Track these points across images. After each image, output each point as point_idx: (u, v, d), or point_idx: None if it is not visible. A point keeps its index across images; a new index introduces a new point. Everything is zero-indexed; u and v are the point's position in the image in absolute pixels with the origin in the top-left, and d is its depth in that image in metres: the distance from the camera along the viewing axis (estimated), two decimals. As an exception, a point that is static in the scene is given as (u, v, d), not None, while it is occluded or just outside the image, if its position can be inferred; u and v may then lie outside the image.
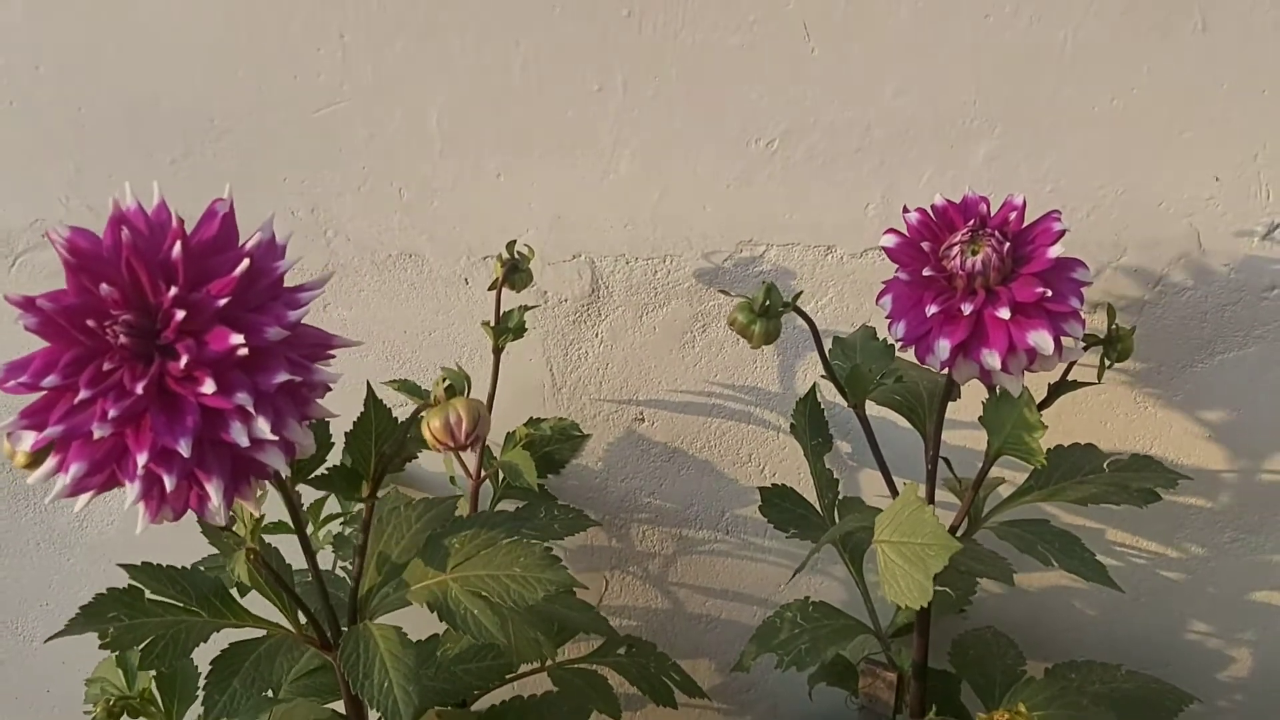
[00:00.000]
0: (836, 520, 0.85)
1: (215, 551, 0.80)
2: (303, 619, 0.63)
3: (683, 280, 0.84)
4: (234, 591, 0.62)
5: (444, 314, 0.86)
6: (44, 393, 0.48)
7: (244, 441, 0.47)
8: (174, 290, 0.47)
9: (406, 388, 0.78)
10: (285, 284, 0.51)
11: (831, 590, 0.98)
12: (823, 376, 0.75)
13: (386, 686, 0.58)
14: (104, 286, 0.46)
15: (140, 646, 0.56)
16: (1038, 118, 0.77)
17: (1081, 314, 0.63)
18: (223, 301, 0.47)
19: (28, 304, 0.47)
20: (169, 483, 0.47)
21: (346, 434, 0.60)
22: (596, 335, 0.87)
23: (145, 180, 0.82)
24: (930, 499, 0.74)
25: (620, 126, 0.79)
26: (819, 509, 0.85)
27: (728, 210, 0.82)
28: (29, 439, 0.49)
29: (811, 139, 0.79)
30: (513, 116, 0.79)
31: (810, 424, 0.86)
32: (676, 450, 0.92)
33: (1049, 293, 0.61)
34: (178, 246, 0.47)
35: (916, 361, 0.66)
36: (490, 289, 0.77)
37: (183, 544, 0.95)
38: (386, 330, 0.87)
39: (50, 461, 0.50)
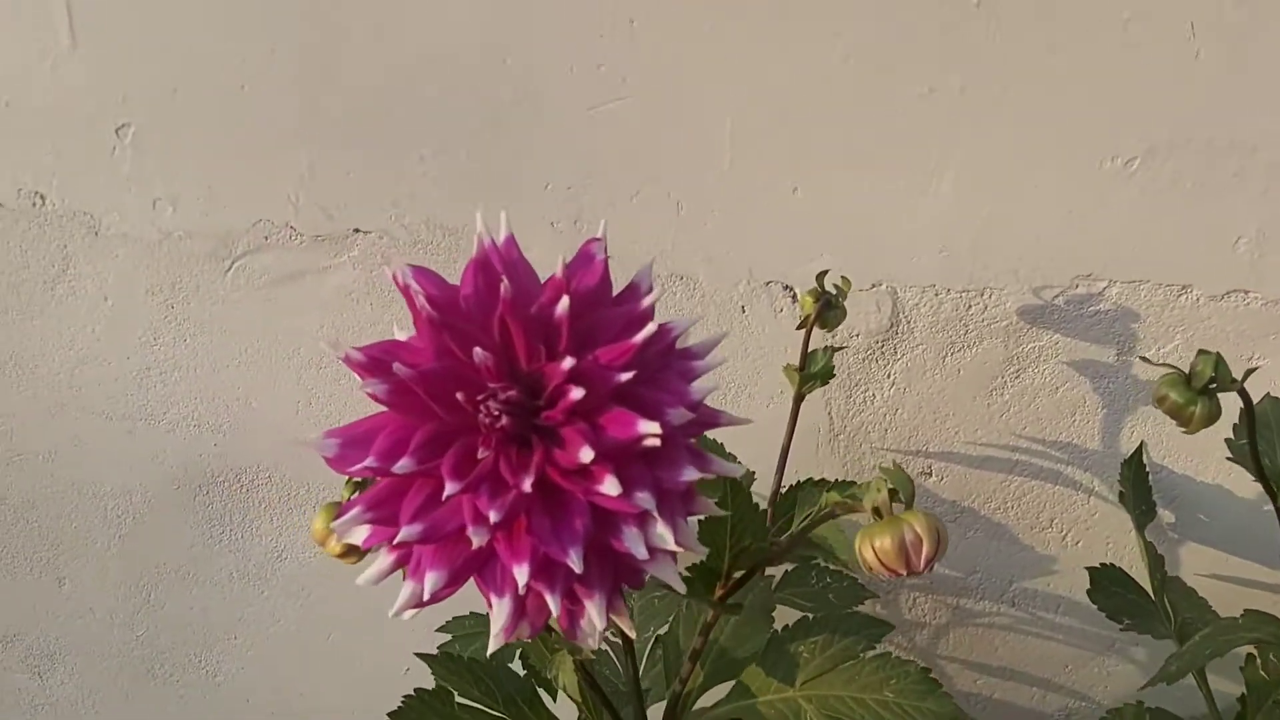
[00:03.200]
0: (1169, 608, 0.74)
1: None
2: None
3: (1001, 318, 0.74)
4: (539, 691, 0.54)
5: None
6: (388, 478, 0.40)
7: (641, 552, 0.38)
8: (569, 361, 0.38)
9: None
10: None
11: (1133, 677, 0.87)
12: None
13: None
14: (479, 352, 0.38)
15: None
16: None
17: None
18: (624, 377, 0.38)
19: (379, 369, 0.39)
20: (552, 603, 0.38)
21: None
22: (889, 376, 0.77)
23: (390, 182, 0.74)
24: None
25: (950, 137, 0.69)
26: (1151, 594, 0.74)
27: (1066, 240, 0.71)
28: (363, 532, 0.42)
29: (1181, 159, 0.68)
30: (822, 123, 0.69)
31: (1135, 489, 0.76)
32: (965, 510, 0.81)
33: None
34: (564, 303, 0.39)
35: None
36: (799, 327, 0.67)
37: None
38: (644, 360, 0.78)
39: (384, 560, 0.41)
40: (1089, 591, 0.73)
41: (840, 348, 0.72)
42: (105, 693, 0.98)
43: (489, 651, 0.41)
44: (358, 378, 0.42)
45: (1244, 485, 0.78)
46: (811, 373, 0.68)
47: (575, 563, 0.37)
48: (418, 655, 0.55)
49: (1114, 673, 0.88)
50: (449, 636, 0.87)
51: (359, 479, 0.48)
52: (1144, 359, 0.67)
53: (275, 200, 0.74)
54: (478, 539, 0.37)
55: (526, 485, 0.37)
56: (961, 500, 0.81)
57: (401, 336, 0.45)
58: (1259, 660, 0.75)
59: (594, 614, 0.39)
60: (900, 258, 0.73)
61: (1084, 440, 0.78)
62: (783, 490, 0.75)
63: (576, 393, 0.38)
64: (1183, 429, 0.53)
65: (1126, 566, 0.77)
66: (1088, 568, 0.74)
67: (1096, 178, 0.69)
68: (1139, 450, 0.76)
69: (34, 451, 0.85)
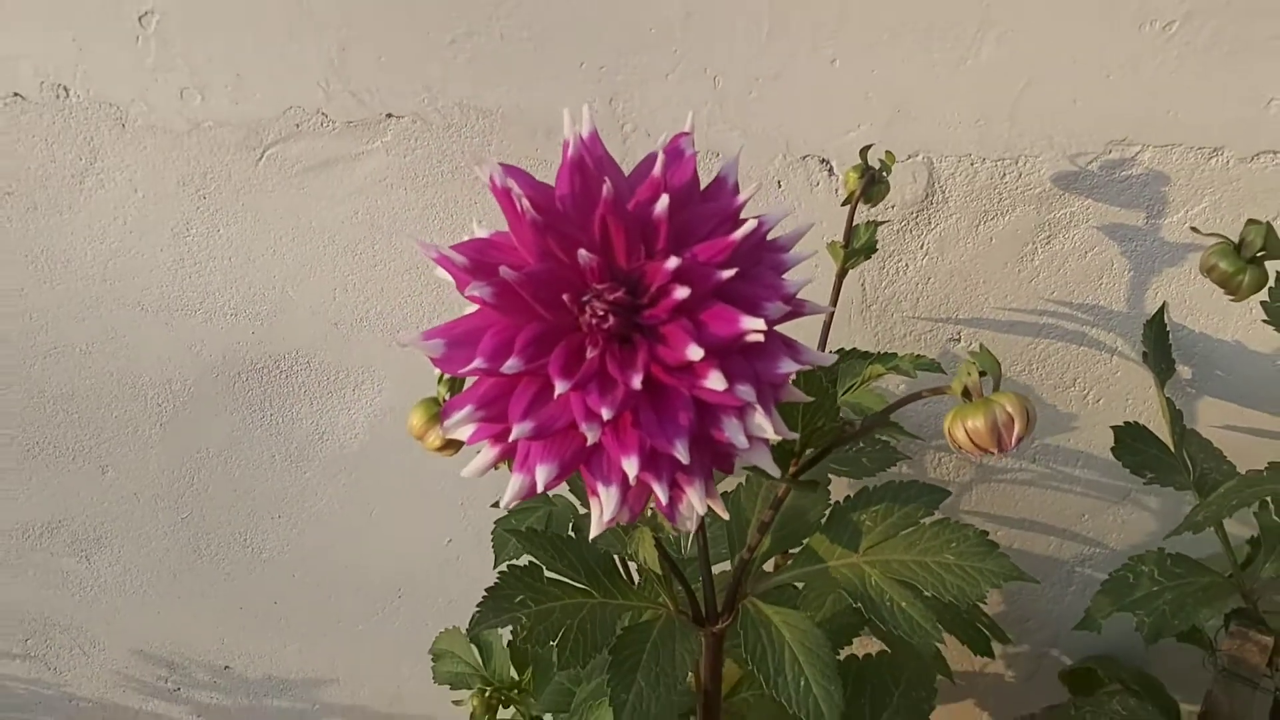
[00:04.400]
0: (1188, 461, 0.78)
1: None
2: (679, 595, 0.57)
3: (1035, 185, 0.74)
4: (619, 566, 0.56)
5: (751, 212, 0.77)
6: (497, 378, 0.41)
7: (742, 442, 0.40)
8: (674, 261, 0.39)
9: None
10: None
11: (1146, 523, 0.91)
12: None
13: (804, 685, 0.53)
14: (583, 254, 0.39)
15: (556, 641, 0.50)
16: None
17: None
18: (726, 274, 0.39)
19: (484, 270, 0.40)
20: (660, 491, 0.40)
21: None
22: (922, 246, 0.78)
23: (422, 66, 0.73)
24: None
25: (989, 5, 0.68)
26: (1172, 448, 0.77)
27: (1102, 105, 0.71)
28: (469, 429, 0.43)
29: (1219, 21, 0.68)
30: (861, -9, 0.68)
31: (1157, 348, 0.78)
32: (991, 373, 0.84)
33: None
34: (663, 201, 0.39)
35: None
36: (844, 203, 0.68)
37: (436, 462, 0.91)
38: (680, 237, 0.78)
39: (489, 453, 0.43)
40: (1114, 448, 0.77)
41: (883, 222, 0.73)
42: (153, 573, 1.00)
43: (591, 537, 0.44)
44: (449, 277, 0.43)
45: (1261, 341, 0.80)
46: (855, 249, 0.69)
47: (682, 454, 0.39)
48: (507, 531, 0.57)
49: (1128, 521, 0.92)
50: (495, 513, 0.90)
51: (453, 377, 0.50)
52: (1194, 229, 0.69)
53: (306, 87, 0.73)
54: (591, 435, 0.39)
55: (636, 383, 0.39)
56: (989, 364, 0.83)
57: (482, 233, 0.45)
58: (1272, 506, 0.79)
59: (695, 500, 0.41)
60: (937, 128, 0.73)
61: (1110, 302, 0.80)
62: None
63: (681, 292, 0.39)
64: (1230, 297, 0.55)
65: (1145, 422, 0.80)
66: (1113, 426, 0.77)
67: (1135, 41, 0.69)
68: (1161, 310, 0.78)
69: (71, 344, 0.86)
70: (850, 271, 0.78)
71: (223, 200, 0.78)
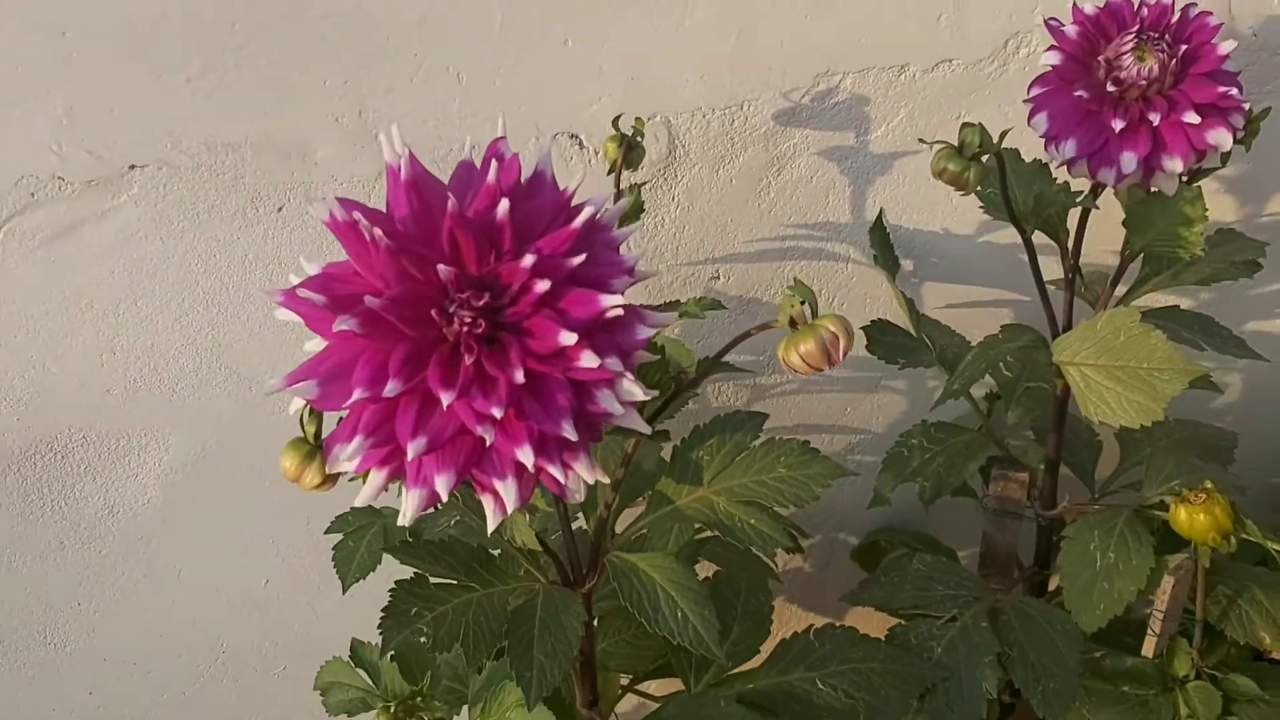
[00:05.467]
0: (929, 342, 0.88)
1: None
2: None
3: (760, 125, 0.81)
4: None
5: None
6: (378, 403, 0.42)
7: (616, 409, 0.44)
8: (530, 258, 0.41)
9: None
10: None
11: (899, 403, 1.02)
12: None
13: (682, 616, 0.57)
14: (443, 269, 0.41)
15: (460, 641, 0.52)
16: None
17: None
18: (575, 261, 0.42)
19: (344, 303, 0.41)
20: (556, 473, 0.43)
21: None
22: (673, 199, 0.83)
23: (160, 110, 0.70)
24: (1069, 310, 0.77)
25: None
26: (914, 333, 0.87)
27: (806, 42, 0.79)
28: (356, 460, 0.44)
29: (887, -46, 0.76)
30: (579, -27, 0.72)
31: (882, 249, 0.87)
32: (752, 301, 0.91)
33: (1232, 91, 0.63)
34: (504, 205, 0.42)
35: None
36: (609, 173, 0.72)
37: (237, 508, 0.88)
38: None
39: (378, 478, 0.44)
40: (868, 345, 0.85)
41: (644, 183, 0.78)
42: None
43: (489, 531, 0.46)
44: (294, 317, 0.43)
45: (963, 225, 0.92)
46: (626, 213, 0.73)
47: (569, 432, 0.42)
48: (386, 549, 0.57)
49: (884, 404, 1.03)
50: (310, 546, 0.89)
51: (314, 410, 0.50)
52: (921, 140, 0.77)
53: (36, 153, 0.68)
54: (488, 435, 0.41)
55: (518, 377, 0.41)
56: (747, 294, 0.90)
57: (312, 269, 0.46)
58: (1003, 364, 0.91)
59: (584, 472, 0.44)
60: (668, 89, 0.78)
61: (838, 217, 0.89)
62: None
63: (542, 285, 0.41)
64: (960, 192, 0.63)
65: (885, 316, 0.90)
66: (862, 327, 0.86)
67: (822, -16, 0.77)
68: (880, 215, 0.87)
69: None
70: (613, 234, 0.83)
71: (-43, 287, 0.72)
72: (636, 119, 0.73)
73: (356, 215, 0.41)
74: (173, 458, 0.85)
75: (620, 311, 0.42)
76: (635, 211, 0.73)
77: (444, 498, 0.43)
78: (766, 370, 0.96)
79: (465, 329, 0.41)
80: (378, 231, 0.40)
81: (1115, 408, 0.66)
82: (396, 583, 0.55)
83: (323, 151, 0.74)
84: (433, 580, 0.56)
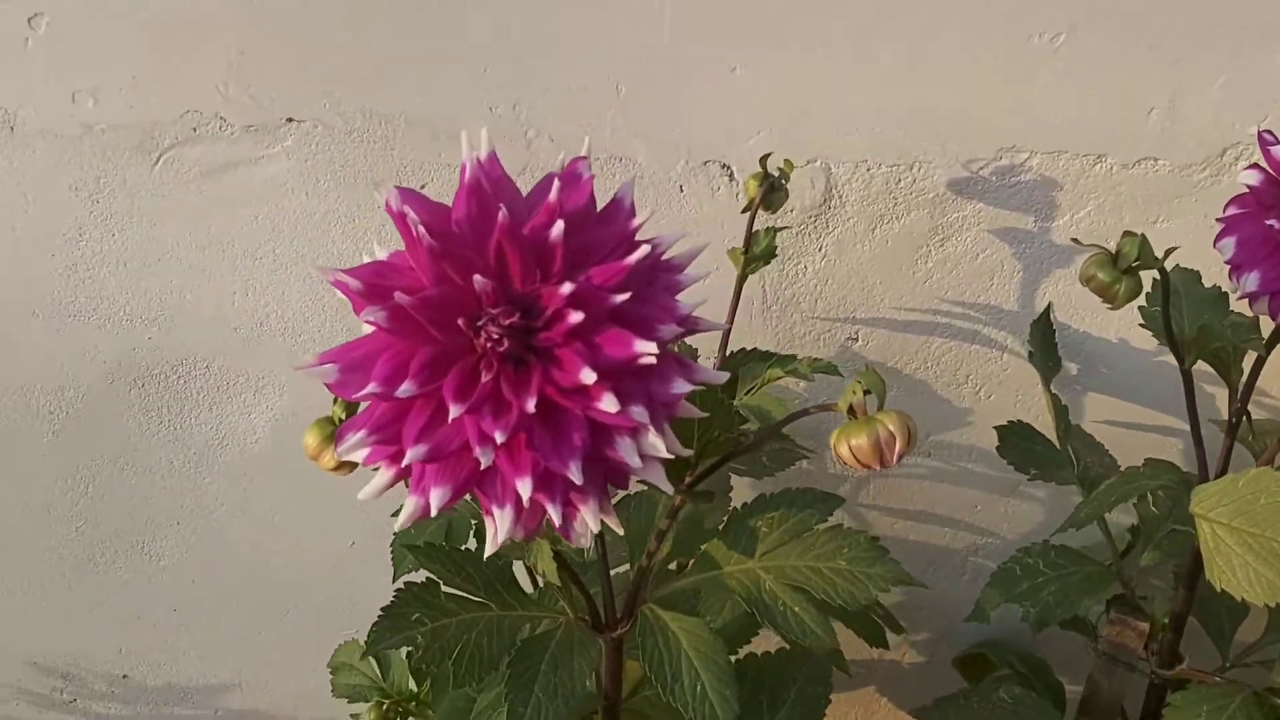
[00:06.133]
0: (1073, 455, 0.81)
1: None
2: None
3: (929, 189, 0.77)
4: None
5: (651, 225, 0.78)
6: (391, 401, 0.41)
7: (636, 462, 0.41)
8: (568, 286, 0.39)
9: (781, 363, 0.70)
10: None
11: (1035, 513, 0.95)
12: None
13: (700, 690, 0.54)
14: (479, 279, 0.39)
15: (451, 659, 0.51)
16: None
17: None
18: (620, 299, 0.40)
19: (378, 294, 0.40)
20: (554, 512, 0.41)
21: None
22: (820, 249, 0.79)
23: (324, 69, 0.72)
24: (1226, 457, 0.69)
25: (886, 11, 0.70)
26: (1057, 444, 0.81)
27: (994, 112, 0.73)
28: (364, 452, 0.43)
29: (1102, 34, 0.70)
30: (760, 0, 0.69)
31: (1043, 346, 0.81)
32: (889, 370, 0.86)
33: None
34: (559, 226, 0.40)
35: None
36: (744, 210, 0.69)
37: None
38: (584, 241, 0.79)
39: (385, 475, 0.43)
40: (998, 447, 0.79)
41: (783, 228, 0.74)
42: (46, 584, 0.98)
43: (486, 555, 0.44)
44: (346, 300, 0.43)
45: (1141, 339, 0.84)
46: (755, 254, 0.70)
47: (576, 475, 0.40)
48: (407, 548, 0.57)
49: (1018, 511, 0.96)
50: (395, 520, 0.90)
51: (349, 396, 0.49)
52: (1075, 240, 0.71)
53: (203, 90, 0.72)
54: (485, 459, 0.39)
55: (530, 406, 0.39)
56: (885, 361, 0.86)
57: (382, 254, 0.45)
58: (1150, 498, 0.83)
59: (589, 518, 0.42)
60: (834, 134, 0.75)
61: (1000, 302, 0.83)
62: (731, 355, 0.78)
63: (575, 316, 0.39)
64: (1108, 305, 0.57)
65: (1034, 417, 0.83)
66: (995, 426, 0.80)
67: (1024, 52, 0.71)
68: (1047, 310, 0.81)
69: (-43, 352, 0.83)
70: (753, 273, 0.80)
71: (117, 205, 0.76)
72: (785, 161, 0.69)
73: (406, 209, 0.40)
74: (285, 404, 0.87)
75: (653, 360, 0.39)
76: (766, 255, 0.70)
77: (434, 512, 0.42)
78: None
79: (490, 345, 0.40)
80: (421, 229, 0.39)
81: (1240, 578, 0.58)
82: (405, 583, 0.54)
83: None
84: (445, 589, 0.54)
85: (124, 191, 0.75)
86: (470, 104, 0.73)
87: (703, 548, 0.58)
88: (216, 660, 1.06)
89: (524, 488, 0.40)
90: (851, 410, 0.43)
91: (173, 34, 0.69)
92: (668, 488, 0.43)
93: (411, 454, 0.40)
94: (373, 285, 0.41)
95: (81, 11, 0.68)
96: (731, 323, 0.73)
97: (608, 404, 0.39)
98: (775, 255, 0.71)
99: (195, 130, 0.73)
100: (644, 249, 0.40)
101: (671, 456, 0.42)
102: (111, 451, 0.90)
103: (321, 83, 0.72)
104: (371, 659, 0.70)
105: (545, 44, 0.71)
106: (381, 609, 0.53)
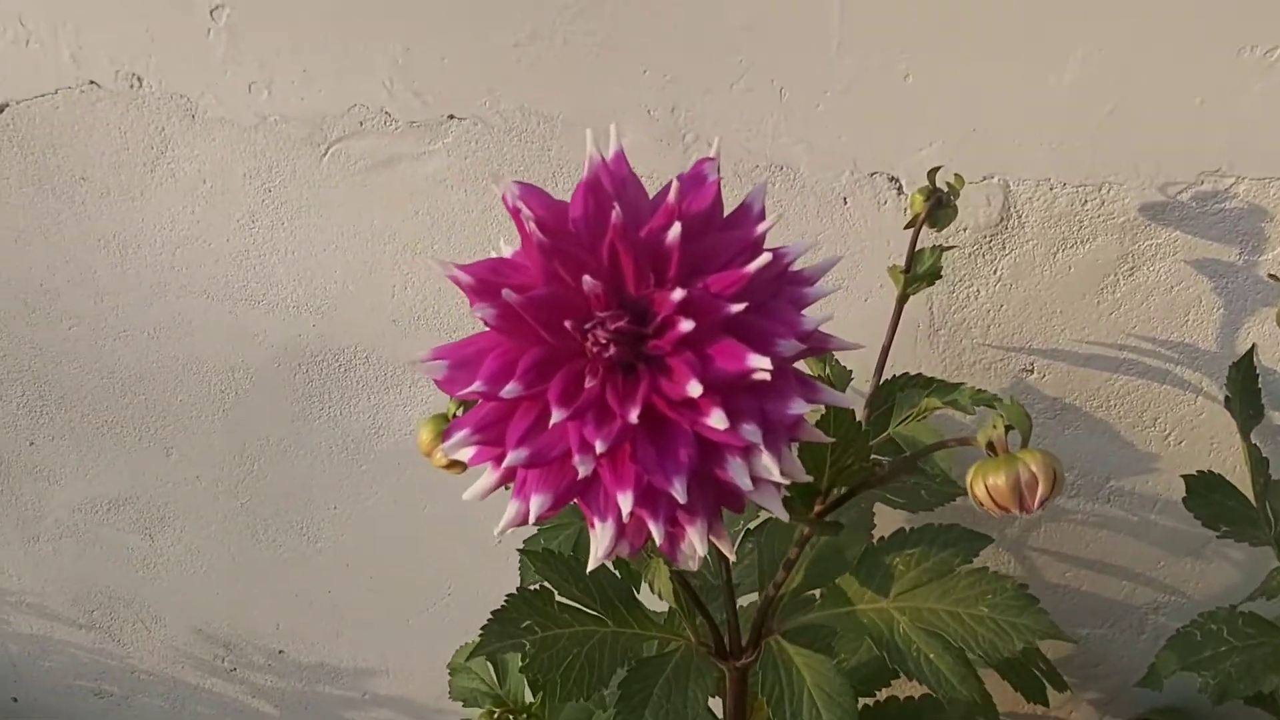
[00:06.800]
0: (1270, 514, 0.73)
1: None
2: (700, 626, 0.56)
3: (1119, 213, 0.71)
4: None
5: (811, 237, 0.75)
6: (497, 401, 0.40)
7: (745, 483, 0.39)
8: (680, 293, 0.37)
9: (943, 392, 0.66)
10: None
11: (1227, 574, 0.87)
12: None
13: (820, 730, 0.51)
14: (588, 281, 0.38)
15: (560, 671, 0.49)
16: None
17: None
18: (735, 309, 0.37)
19: (488, 292, 0.39)
20: (655, 531, 0.39)
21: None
22: (995, 272, 0.75)
23: (485, 68, 0.73)
24: None
25: (1079, 21, 0.65)
26: (1253, 500, 0.73)
27: (1195, 133, 0.67)
28: (469, 451, 0.43)
29: (1329, 45, 0.63)
30: (938, 3, 0.66)
31: (1243, 392, 0.74)
32: (1067, 407, 0.80)
33: None
34: (675, 229, 0.38)
35: None
36: (907, 226, 0.66)
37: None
38: (741, 251, 0.76)
39: (490, 477, 0.43)
40: (1185, 499, 0.73)
41: (949, 247, 0.70)
42: (213, 554, 1.03)
43: (589, 569, 0.43)
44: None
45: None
46: (917, 274, 0.66)
47: (679, 493, 0.38)
48: (521, 552, 0.56)
49: (1206, 571, 0.87)
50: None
51: (465, 394, 0.49)
52: (1272, 276, 0.65)
53: (370, 85, 0.73)
54: (583, 468, 0.38)
55: (633, 416, 0.37)
56: (1063, 397, 0.80)
57: (508, 253, 0.45)
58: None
59: (695, 539, 0.40)
60: (1015, 149, 0.70)
61: (1196, 340, 0.76)
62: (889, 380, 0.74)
63: (686, 325, 0.37)
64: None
65: (1229, 469, 0.76)
66: (1184, 475, 0.73)
67: (1232, 67, 0.65)
68: (1250, 353, 0.73)
69: (140, 328, 0.88)
70: (919, 294, 0.76)
71: (288, 194, 0.79)
72: (955, 175, 0.65)
73: (520, 204, 0.39)
74: (441, 397, 0.88)
75: (767, 376, 0.37)
76: (930, 276, 0.66)
77: (531, 519, 0.40)
78: (1069, 489, 0.85)
79: (597, 349, 0.38)
80: (533, 225, 0.38)
81: None
82: (519, 589, 0.53)
83: (629, 139, 0.73)
84: (560, 599, 0.53)
85: (294, 181, 0.78)
86: (628, 105, 0.72)
87: (835, 581, 0.55)
88: (366, 644, 1.09)
89: (625, 502, 0.39)
90: (991, 446, 0.39)
91: (342, 29, 0.71)
92: (782, 514, 0.41)
93: (512, 457, 0.39)
94: (486, 281, 0.40)
95: (259, 4, 0.71)
96: (889, 345, 0.70)
97: (716, 420, 0.37)
98: (940, 276, 0.67)
99: (361, 124, 0.75)
100: (765, 257, 0.38)
101: (786, 481, 0.39)
102: (276, 433, 0.93)
103: (483, 80, 0.72)
104: (489, 665, 0.70)
105: (706, 44, 0.69)
106: (492, 613, 0.52)
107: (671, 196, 0.39)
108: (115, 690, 1.14)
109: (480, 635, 0.52)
